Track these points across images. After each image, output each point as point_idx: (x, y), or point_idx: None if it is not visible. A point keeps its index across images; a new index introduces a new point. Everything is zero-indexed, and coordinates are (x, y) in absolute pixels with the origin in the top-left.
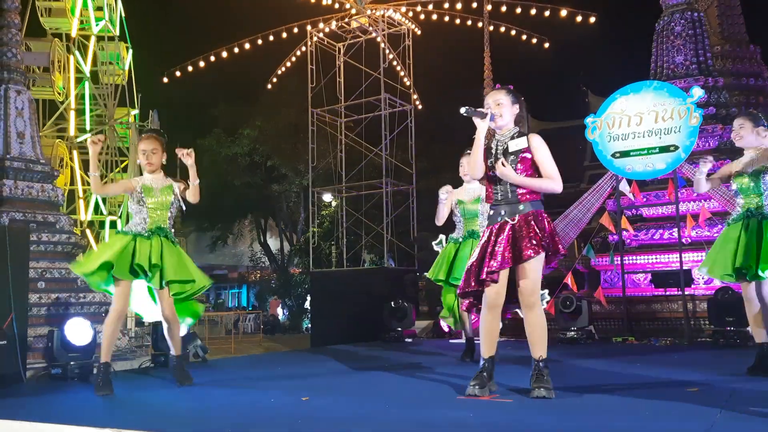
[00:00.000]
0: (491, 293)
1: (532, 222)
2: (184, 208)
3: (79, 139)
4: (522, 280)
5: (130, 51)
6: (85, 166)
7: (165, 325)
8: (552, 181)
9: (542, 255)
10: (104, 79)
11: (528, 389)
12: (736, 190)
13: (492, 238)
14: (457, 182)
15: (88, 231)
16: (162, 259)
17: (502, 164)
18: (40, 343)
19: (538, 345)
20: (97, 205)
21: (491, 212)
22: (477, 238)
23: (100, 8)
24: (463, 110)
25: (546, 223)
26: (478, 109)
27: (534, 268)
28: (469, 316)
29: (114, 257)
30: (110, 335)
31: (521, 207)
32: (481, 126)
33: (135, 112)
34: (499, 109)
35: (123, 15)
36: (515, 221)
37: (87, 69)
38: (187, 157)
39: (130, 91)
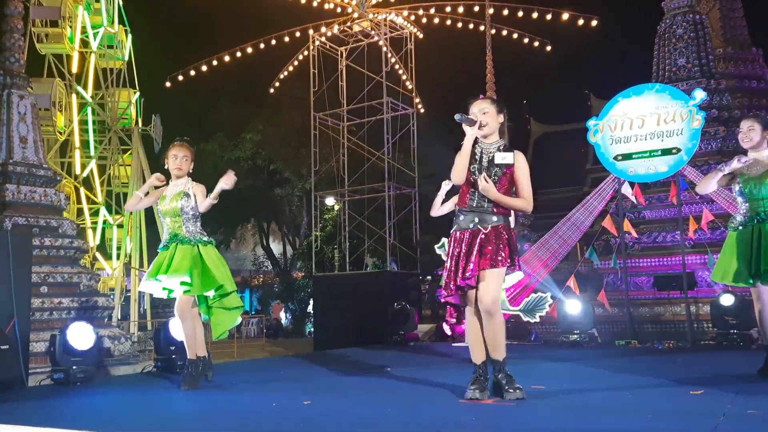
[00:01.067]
0: (471, 300)
1: (504, 235)
2: (197, 209)
3: (84, 173)
4: (484, 288)
5: (130, 36)
6: (88, 199)
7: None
8: (525, 201)
9: (505, 267)
10: (102, 64)
11: (537, 392)
12: (740, 192)
13: (464, 245)
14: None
15: (98, 254)
16: (171, 263)
17: (485, 180)
18: (42, 347)
19: (501, 347)
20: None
21: (461, 217)
22: None
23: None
24: (457, 117)
25: (513, 237)
26: (469, 117)
27: (498, 276)
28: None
29: (150, 274)
30: (184, 336)
31: (494, 219)
32: (470, 133)
33: (137, 95)
34: (485, 118)
35: (121, 2)
36: (487, 230)
37: (88, 95)
38: (226, 181)
39: (130, 75)
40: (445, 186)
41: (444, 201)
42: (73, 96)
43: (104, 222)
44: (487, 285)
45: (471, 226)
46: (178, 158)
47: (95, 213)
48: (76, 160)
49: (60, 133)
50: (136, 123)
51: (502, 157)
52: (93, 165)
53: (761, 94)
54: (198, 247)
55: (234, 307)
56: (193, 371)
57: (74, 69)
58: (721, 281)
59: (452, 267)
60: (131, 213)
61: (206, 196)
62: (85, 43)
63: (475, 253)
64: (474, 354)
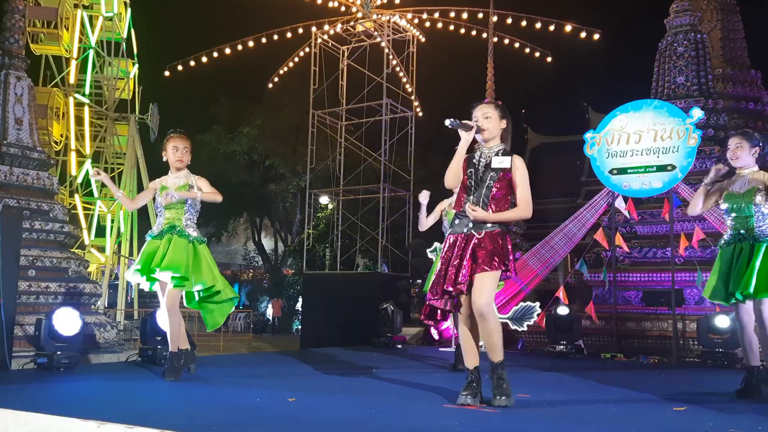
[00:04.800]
0: (464, 305)
1: (499, 239)
2: (198, 205)
3: (77, 95)
4: (478, 291)
5: (136, 66)
6: (77, 121)
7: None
8: (521, 210)
9: (500, 272)
10: (101, 35)
11: (522, 400)
12: (726, 210)
13: (456, 250)
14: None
15: (77, 196)
16: (164, 255)
17: (471, 209)
18: (27, 331)
19: (497, 349)
20: (88, 181)
21: (456, 221)
22: None
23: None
24: (447, 122)
25: (508, 243)
26: (464, 121)
27: (492, 280)
28: (432, 325)
29: (141, 263)
30: (170, 329)
31: (488, 225)
32: (465, 137)
33: (135, 68)
34: (487, 123)
35: (131, 24)
36: (481, 236)
37: (93, 39)
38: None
39: (129, 47)
40: (423, 200)
41: (428, 213)
42: (78, 13)
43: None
44: (480, 288)
45: (465, 230)
46: (179, 150)
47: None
48: (72, 70)
49: (66, 50)
50: (133, 111)
51: (499, 162)
52: (88, 164)
53: (757, 116)
54: (194, 244)
55: (225, 299)
56: (176, 363)
57: (72, 80)
58: (709, 299)
59: (443, 271)
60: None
61: (208, 189)
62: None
63: (468, 257)
64: (467, 359)
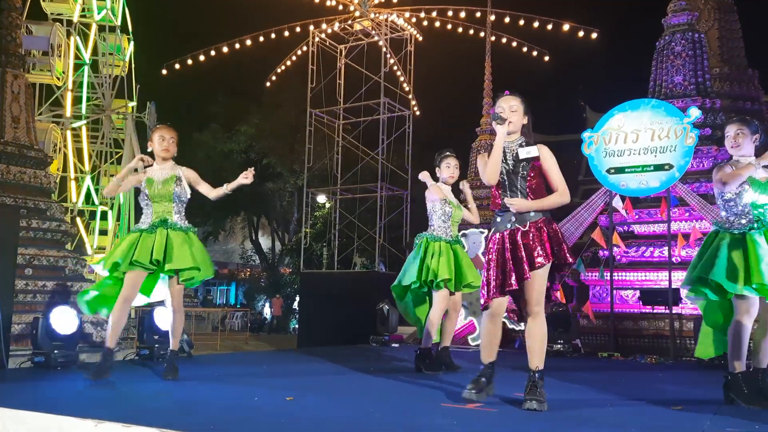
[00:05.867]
0: (495, 302)
1: (544, 229)
2: (188, 196)
3: (74, 125)
4: (529, 288)
5: (132, 43)
6: (77, 153)
7: (170, 317)
8: (560, 195)
9: (549, 264)
10: (104, 70)
11: (519, 400)
12: (745, 197)
13: (508, 246)
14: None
15: (78, 219)
16: (166, 251)
17: (511, 201)
18: (24, 330)
19: (537, 355)
20: (89, 194)
21: (498, 219)
22: (459, 243)
23: None
24: (493, 115)
25: (557, 231)
26: (501, 115)
27: (541, 276)
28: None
29: (121, 255)
30: (115, 322)
31: (531, 215)
32: (501, 131)
33: (132, 104)
34: (514, 116)
35: (125, 4)
36: (526, 228)
37: (87, 56)
38: (243, 178)
39: (128, 83)
40: (426, 179)
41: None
42: (71, 41)
43: (86, 198)
44: (531, 287)
45: (509, 226)
46: (166, 140)
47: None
48: (67, 101)
49: (58, 78)
50: (130, 95)
51: (527, 152)
52: (83, 123)
53: (754, 115)
54: (189, 233)
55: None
56: (176, 362)
57: (75, 18)
58: (725, 279)
59: (498, 270)
60: (113, 200)
61: (202, 181)
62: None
63: (519, 253)
64: (483, 353)
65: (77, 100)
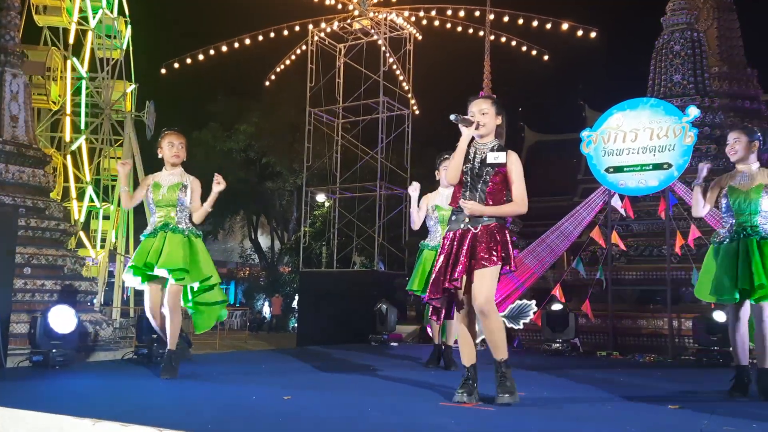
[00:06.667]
0: (460, 303)
1: (496, 233)
2: (191, 203)
3: (73, 146)
4: (478, 288)
5: (129, 26)
6: (76, 160)
7: (167, 317)
8: (516, 205)
9: (499, 266)
10: (99, 54)
11: (492, 396)
12: (727, 206)
13: (455, 244)
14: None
15: (82, 233)
16: (161, 252)
17: (466, 203)
18: (23, 329)
19: (500, 347)
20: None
21: (453, 217)
22: None
23: None
24: (452, 117)
25: (507, 236)
26: (466, 117)
27: (491, 276)
28: (437, 322)
29: (135, 261)
30: (159, 328)
31: (485, 219)
32: (466, 133)
33: (132, 87)
34: (484, 118)
35: None
36: (477, 230)
37: (84, 69)
38: (217, 185)
39: (127, 65)
40: (414, 193)
41: (419, 208)
42: (68, 64)
43: (90, 206)
44: (479, 285)
45: (462, 226)
46: (175, 146)
47: (81, 196)
48: (66, 126)
49: (54, 103)
50: (130, 110)
51: (495, 157)
52: (82, 140)
53: (753, 114)
54: (190, 237)
55: (217, 301)
56: (174, 361)
57: (71, 40)
58: (705, 299)
59: (441, 268)
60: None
61: (199, 198)
62: (84, 20)
63: (464, 254)
64: (463, 357)
65: (76, 115)
